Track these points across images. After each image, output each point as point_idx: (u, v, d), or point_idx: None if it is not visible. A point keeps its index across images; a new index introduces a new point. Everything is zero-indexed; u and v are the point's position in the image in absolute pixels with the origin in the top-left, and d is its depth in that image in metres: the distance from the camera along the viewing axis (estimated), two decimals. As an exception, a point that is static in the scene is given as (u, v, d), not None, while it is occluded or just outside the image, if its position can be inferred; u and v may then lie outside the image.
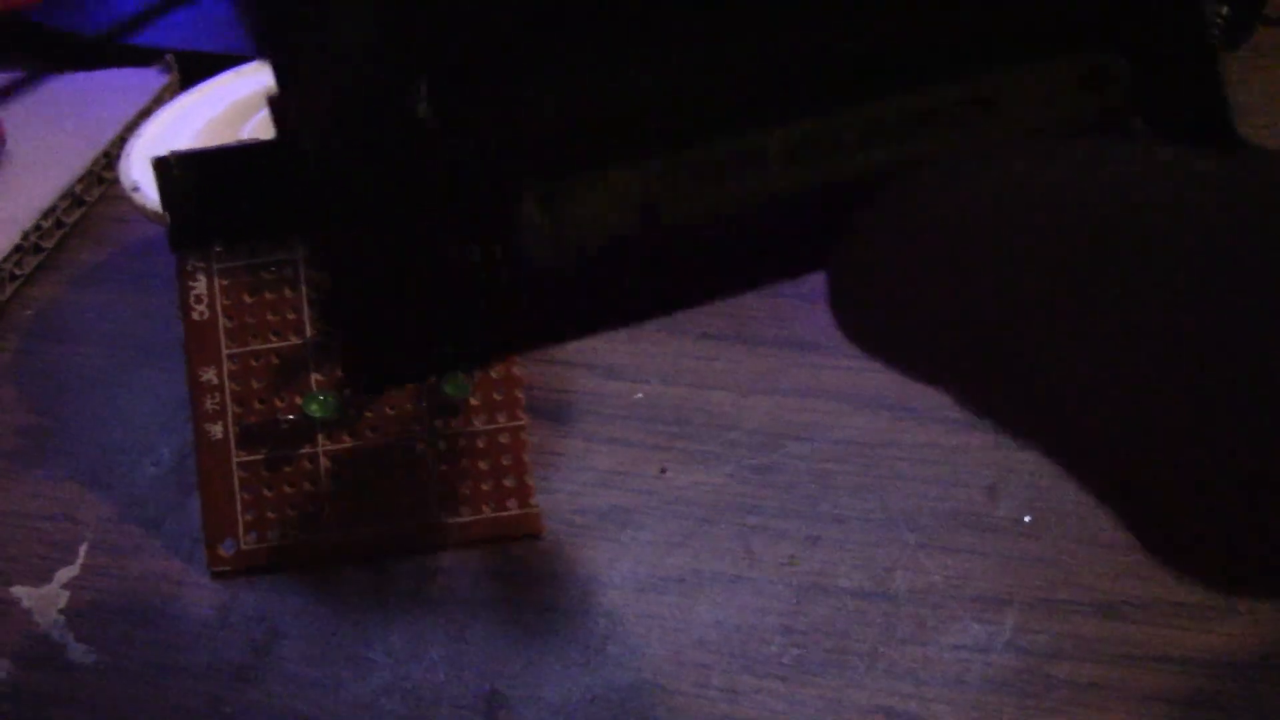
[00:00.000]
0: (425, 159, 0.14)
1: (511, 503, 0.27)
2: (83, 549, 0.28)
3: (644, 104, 0.14)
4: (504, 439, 0.27)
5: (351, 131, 0.14)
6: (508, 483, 0.27)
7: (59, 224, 0.38)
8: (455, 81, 0.14)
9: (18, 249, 0.36)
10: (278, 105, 0.14)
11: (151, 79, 0.43)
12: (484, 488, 0.27)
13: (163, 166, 0.28)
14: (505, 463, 0.27)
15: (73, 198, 0.38)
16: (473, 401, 0.27)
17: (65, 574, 0.27)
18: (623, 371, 0.31)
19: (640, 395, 0.30)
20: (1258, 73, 0.40)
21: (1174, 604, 0.24)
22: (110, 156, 0.40)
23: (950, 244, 0.13)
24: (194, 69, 0.42)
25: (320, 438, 0.27)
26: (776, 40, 0.14)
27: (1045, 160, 0.13)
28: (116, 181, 0.38)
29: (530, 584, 0.26)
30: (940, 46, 0.14)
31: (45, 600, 0.27)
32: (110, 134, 0.40)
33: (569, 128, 0.14)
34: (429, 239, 0.14)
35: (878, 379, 0.29)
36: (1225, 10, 0.37)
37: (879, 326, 0.14)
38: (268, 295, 0.27)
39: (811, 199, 0.14)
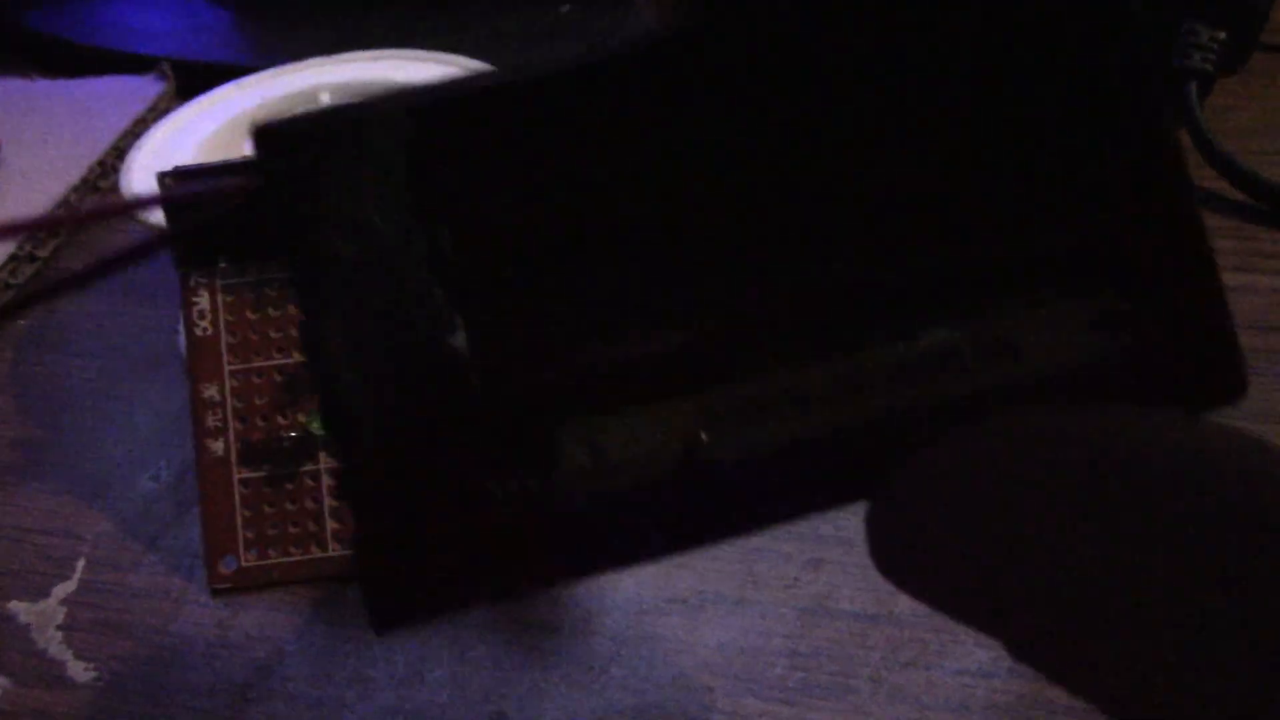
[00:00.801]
0: (461, 391, 0.14)
1: (514, 522, 0.27)
2: (80, 565, 0.28)
3: (685, 343, 0.15)
4: (507, 458, 0.27)
5: (385, 362, 0.14)
6: (510, 502, 0.27)
7: (54, 233, 0.38)
8: (493, 316, 0.14)
9: (13, 258, 0.36)
10: (305, 331, 0.14)
11: (147, 87, 0.43)
12: (486, 507, 0.27)
13: (166, 181, 0.28)
14: (508, 482, 0.27)
15: (68, 207, 0.38)
16: (476, 420, 0.27)
17: (63, 590, 0.27)
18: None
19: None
20: (1253, 99, 0.40)
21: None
22: (106, 165, 0.40)
23: (985, 501, 0.13)
24: (190, 78, 0.42)
25: (322, 455, 0.27)
26: (810, 284, 0.15)
27: (1070, 425, 0.14)
28: (112, 190, 0.38)
29: (533, 605, 0.26)
30: (958, 289, 0.15)
31: (43, 616, 0.27)
32: (106, 142, 0.40)
33: (609, 365, 0.14)
34: (463, 472, 0.14)
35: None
36: (1222, 35, 0.37)
37: (920, 577, 0.14)
38: (271, 312, 0.27)
39: (848, 436, 0.15)
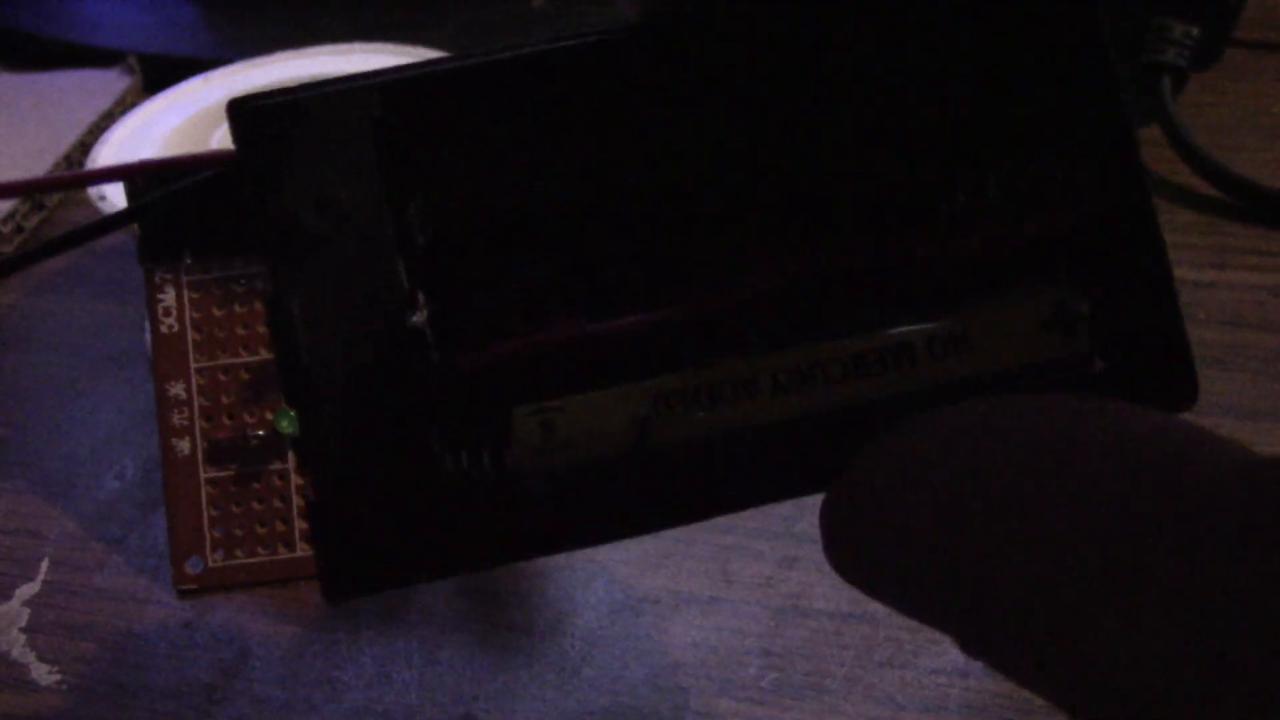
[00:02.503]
0: (419, 366, 0.14)
1: (485, 521, 0.26)
2: (44, 565, 0.27)
3: (640, 327, 0.15)
4: (478, 456, 0.26)
5: (347, 334, 0.14)
6: (481, 501, 0.26)
7: (19, 229, 0.37)
8: (453, 294, 0.15)
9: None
10: (273, 305, 0.14)
11: (113, 81, 0.43)
12: (457, 506, 0.26)
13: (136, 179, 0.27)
14: (479, 480, 0.26)
15: (33, 202, 0.38)
16: (446, 418, 0.26)
17: (26, 591, 0.27)
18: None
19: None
20: (1226, 95, 0.40)
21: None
22: (71, 160, 0.39)
23: (938, 493, 0.13)
24: (156, 72, 0.42)
25: (291, 454, 0.26)
26: (766, 275, 0.15)
27: (1021, 416, 0.14)
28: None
29: (504, 604, 0.26)
30: (914, 284, 0.15)
31: (5, 618, 0.26)
32: (72, 137, 0.40)
33: (564, 346, 0.15)
34: (419, 446, 0.14)
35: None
36: (1195, 31, 0.37)
37: (873, 570, 0.14)
38: (238, 308, 0.27)
39: (799, 427, 0.15)
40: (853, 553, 0.15)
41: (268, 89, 0.15)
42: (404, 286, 0.14)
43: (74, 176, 0.25)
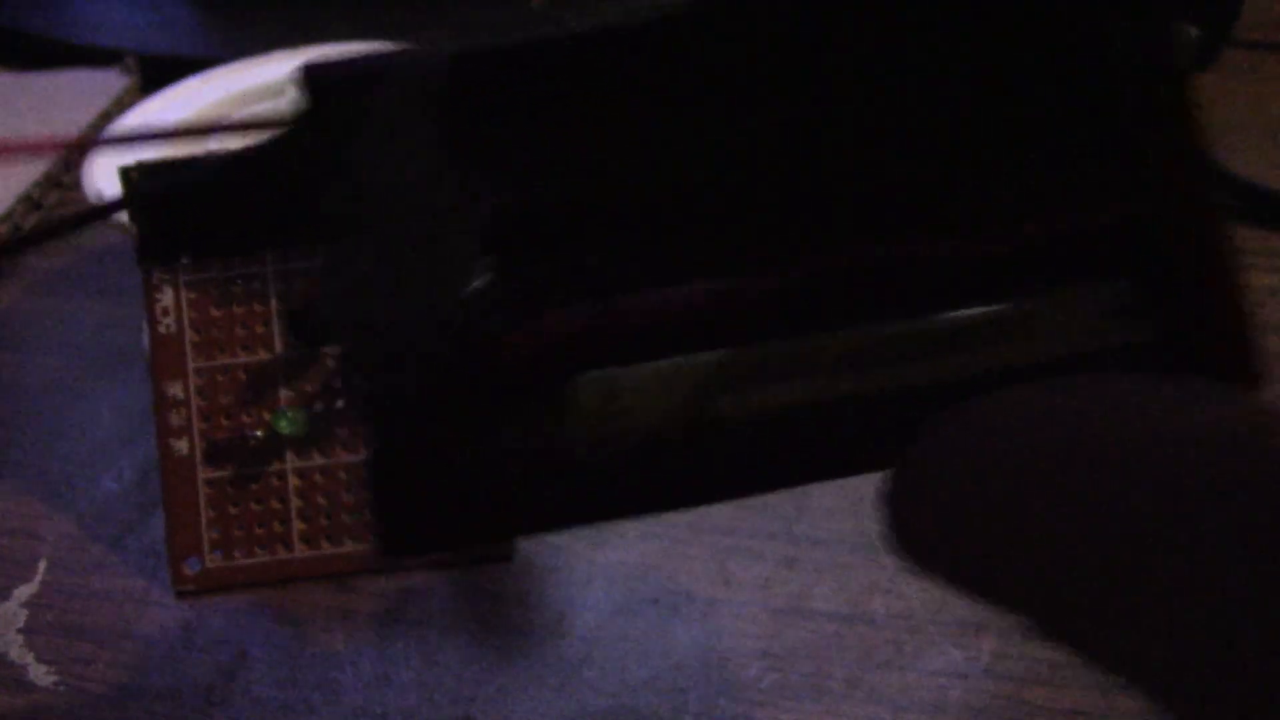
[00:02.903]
0: (481, 333, 0.14)
1: (484, 522, 0.26)
2: (41, 566, 0.27)
3: (703, 302, 0.15)
4: (477, 457, 0.26)
5: (410, 300, 0.14)
6: (480, 502, 0.26)
7: (16, 228, 0.37)
8: (517, 264, 0.15)
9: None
10: (334, 266, 0.15)
11: (111, 81, 0.43)
12: (456, 507, 0.26)
13: (130, 176, 0.27)
14: (478, 481, 0.26)
15: (30, 202, 0.38)
16: (445, 419, 0.26)
17: (24, 592, 0.27)
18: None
19: (613, 413, 0.30)
20: (1226, 94, 0.40)
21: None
22: (68, 160, 0.39)
23: (1004, 476, 0.13)
24: (154, 72, 0.42)
25: (289, 455, 0.26)
26: (830, 255, 0.15)
27: (1096, 398, 0.14)
28: (75, 186, 0.38)
29: (503, 606, 0.25)
30: (978, 268, 0.15)
31: (3, 619, 0.26)
32: (70, 137, 0.40)
33: (627, 319, 0.15)
34: (477, 409, 0.15)
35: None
36: (1195, 32, 0.37)
37: (940, 552, 0.14)
38: (236, 309, 0.26)
39: (857, 405, 0.15)
40: (919, 534, 0.14)
41: (337, 58, 0.15)
42: (466, 254, 0.15)
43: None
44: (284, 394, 0.26)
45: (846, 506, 0.27)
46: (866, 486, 0.27)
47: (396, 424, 0.14)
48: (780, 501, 0.27)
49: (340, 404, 0.26)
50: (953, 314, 0.15)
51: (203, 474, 0.26)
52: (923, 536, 0.14)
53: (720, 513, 0.27)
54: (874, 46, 0.15)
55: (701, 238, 0.15)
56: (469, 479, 0.15)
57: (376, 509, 0.15)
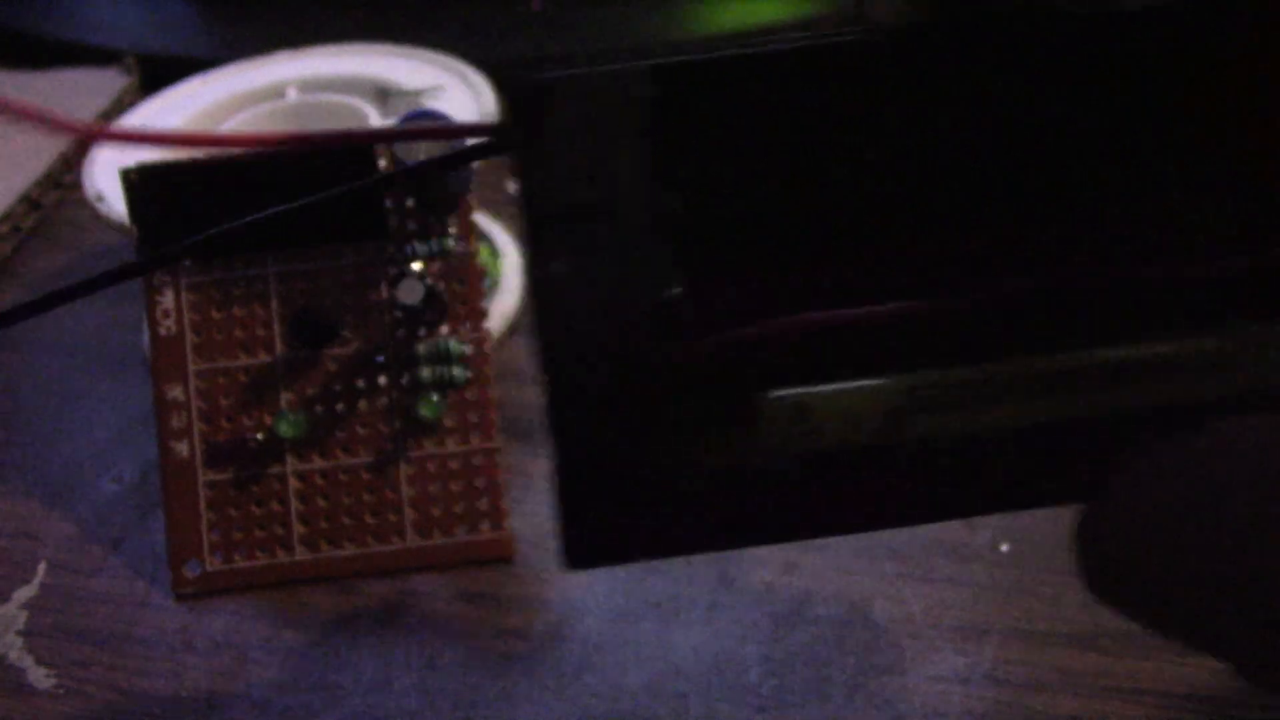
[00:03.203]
0: (675, 345, 0.15)
1: (484, 526, 0.26)
2: (41, 568, 0.27)
3: (901, 321, 0.15)
4: (477, 461, 0.26)
5: (605, 309, 0.15)
6: (481, 505, 0.26)
7: (15, 228, 0.37)
8: (713, 277, 0.15)
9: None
10: (535, 268, 0.15)
11: (111, 81, 0.43)
12: (456, 510, 0.26)
13: (131, 178, 0.27)
14: (478, 485, 0.26)
15: (29, 202, 0.38)
16: (446, 422, 0.26)
17: (23, 594, 0.27)
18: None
19: (614, 416, 0.29)
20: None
21: (1151, 637, 0.24)
22: (68, 160, 0.39)
23: (1211, 510, 0.13)
24: (154, 72, 0.42)
25: (290, 458, 0.26)
26: (1029, 281, 0.15)
27: None
28: (75, 186, 0.38)
29: (504, 609, 0.25)
30: (1179, 300, 0.15)
31: (2, 621, 0.26)
32: (70, 137, 0.40)
33: (823, 335, 0.15)
34: (667, 420, 0.15)
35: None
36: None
37: (1144, 594, 0.14)
38: (237, 311, 0.26)
39: (1052, 433, 0.15)
40: (1121, 575, 0.14)
41: (533, 64, 0.15)
42: (662, 263, 0.15)
43: (369, 134, 0.24)
44: (285, 396, 0.26)
45: (847, 511, 0.27)
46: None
47: (583, 428, 0.15)
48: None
49: (341, 407, 0.26)
50: (1153, 343, 0.15)
51: (203, 476, 0.26)
52: (1124, 576, 0.14)
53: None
54: (1088, 70, 0.15)
55: (901, 258, 0.15)
56: (655, 489, 0.15)
57: (561, 517, 0.15)
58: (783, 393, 0.14)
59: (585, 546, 0.15)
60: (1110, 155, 0.15)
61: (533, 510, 0.27)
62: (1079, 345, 0.15)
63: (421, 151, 0.24)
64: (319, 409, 0.26)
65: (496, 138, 0.17)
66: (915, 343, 0.15)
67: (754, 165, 0.15)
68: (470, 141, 0.23)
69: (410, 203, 0.26)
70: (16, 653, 0.25)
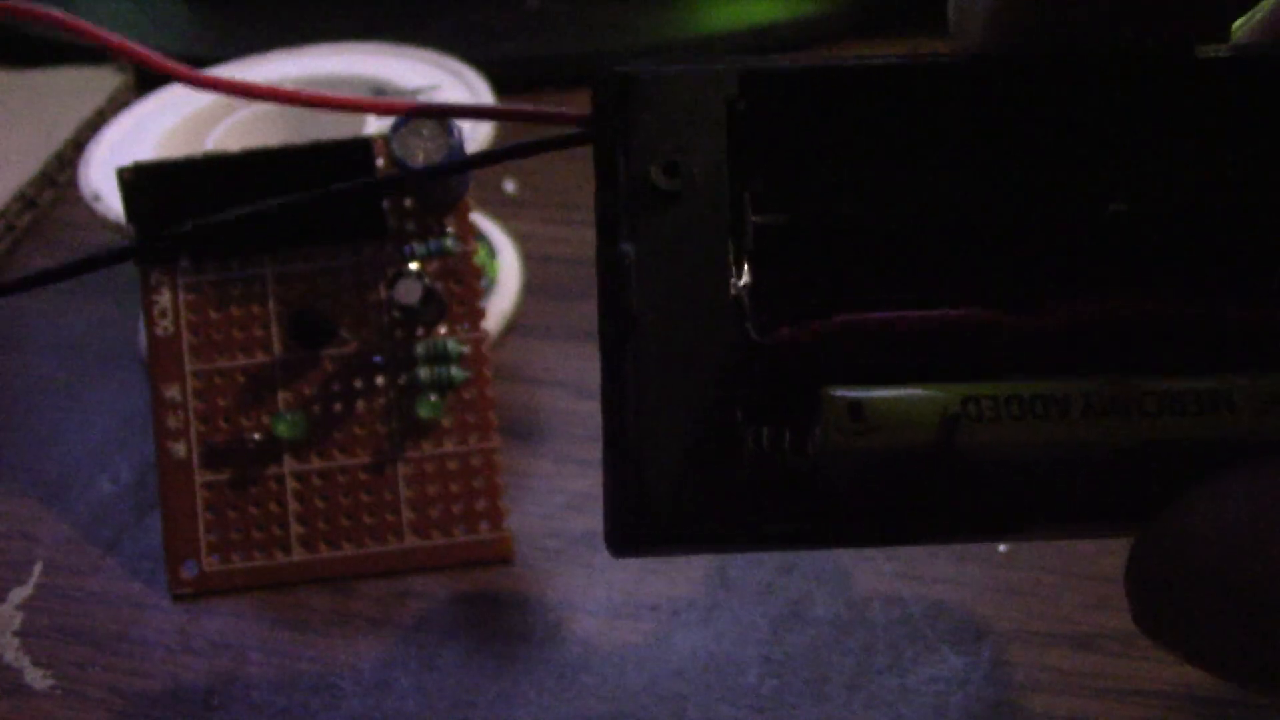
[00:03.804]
0: (735, 337, 0.15)
1: (483, 526, 0.26)
2: (37, 568, 0.27)
3: (963, 329, 0.15)
4: (475, 461, 0.26)
5: (670, 295, 0.15)
6: (479, 506, 0.26)
7: (10, 227, 0.37)
8: (779, 272, 0.15)
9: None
10: (605, 250, 0.15)
11: (105, 79, 0.42)
12: (454, 511, 0.26)
13: (128, 177, 0.27)
14: (476, 486, 0.26)
15: (24, 200, 0.37)
16: (444, 423, 0.26)
17: (19, 594, 0.27)
18: (594, 391, 0.30)
19: (612, 416, 0.29)
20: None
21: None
22: (63, 158, 0.39)
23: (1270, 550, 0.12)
24: (149, 71, 0.42)
25: (287, 458, 0.26)
26: (1092, 302, 0.15)
27: None
28: (70, 184, 0.37)
29: (502, 610, 0.25)
30: (1237, 336, 0.15)
31: (-1, 622, 0.26)
32: (64, 135, 0.40)
33: (880, 333, 0.15)
34: (723, 413, 0.15)
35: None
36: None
37: (1208, 636, 0.13)
38: (235, 311, 0.26)
39: (1105, 455, 0.14)
40: (1180, 614, 0.13)
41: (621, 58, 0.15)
42: (731, 258, 0.15)
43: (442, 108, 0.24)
44: (282, 397, 0.26)
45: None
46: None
47: (637, 414, 0.14)
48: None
49: (339, 407, 0.26)
50: (1213, 376, 0.14)
51: (200, 477, 0.26)
52: (1185, 615, 0.13)
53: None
54: (1171, 106, 0.15)
55: (963, 272, 0.15)
56: (706, 482, 0.15)
57: (608, 501, 0.15)
58: (839, 388, 0.14)
59: (628, 532, 0.15)
60: (1194, 186, 0.15)
61: (531, 511, 0.27)
62: (1147, 371, 0.15)
63: (420, 153, 0.24)
64: (317, 409, 0.26)
65: (581, 126, 0.17)
66: (972, 352, 0.15)
67: (821, 173, 0.15)
68: (471, 142, 0.23)
69: (409, 203, 0.26)
70: (13, 653, 0.25)
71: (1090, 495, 0.15)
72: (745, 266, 0.15)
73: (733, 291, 0.15)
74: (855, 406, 0.14)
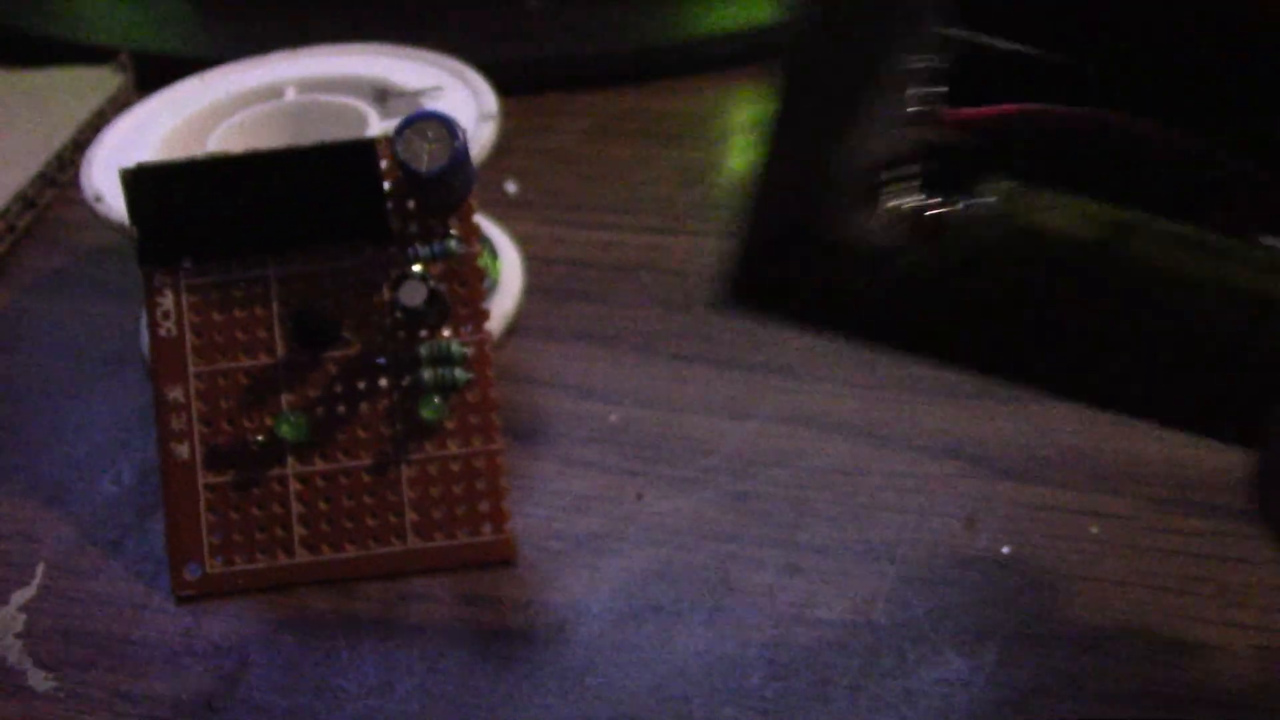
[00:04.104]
0: (901, 108, 0.14)
1: (486, 528, 0.26)
2: (40, 570, 0.27)
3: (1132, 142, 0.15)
4: (479, 463, 0.26)
5: (859, 57, 0.14)
6: (482, 507, 0.26)
7: (10, 228, 0.37)
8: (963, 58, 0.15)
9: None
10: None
11: (106, 80, 0.42)
12: (458, 512, 0.26)
13: (131, 178, 0.27)
14: (480, 487, 0.26)
15: (24, 200, 0.37)
16: (447, 424, 0.26)
17: (22, 596, 0.27)
18: (596, 392, 0.30)
19: (614, 418, 0.29)
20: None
21: (1154, 640, 0.24)
22: (64, 159, 0.39)
23: None
24: (149, 71, 0.42)
25: (290, 460, 0.26)
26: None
27: None
28: (71, 184, 0.37)
29: (505, 612, 0.25)
30: None
31: (2, 624, 0.26)
32: (64, 135, 0.40)
33: (1039, 126, 0.15)
34: (868, 179, 0.14)
35: (852, 404, 0.29)
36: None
37: None
38: (238, 312, 0.26)
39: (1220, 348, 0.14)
40: None
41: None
42: (931, 31, 0.15)
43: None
44: (285, 398, 0.26)
45: (849, 513, 0.27)
46: (867, 494, 0.27)
47: (772, 187, 0.14)
48: (781, 508, 0.27)
49: (342, 409, 0.26)
50: None
51: (203, 478, 0.26)
52: None
53: (722, 520, 0.27)
54: None
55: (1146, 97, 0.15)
56: (818, 260, 0.14)
57: (739, 253, 0.15)
58: (996, 178, 0.14)
59: (741, 286, 0.15)
60: None
61: (531, 511, 0.27)
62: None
63: (425, 156, 0.24)
64: (320, 411, 0.26)
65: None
66: (1139, 177, 0.15)
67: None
68: (470, 142, 0.23)
69: (412, 205, 0.26)
70: (16, 655, 0.25)
71: (1194, 385, 0.14)
72: (940, 42, 0.15)
73: (913, 65, 0.14)
74: (1011, 196, 0.14)
